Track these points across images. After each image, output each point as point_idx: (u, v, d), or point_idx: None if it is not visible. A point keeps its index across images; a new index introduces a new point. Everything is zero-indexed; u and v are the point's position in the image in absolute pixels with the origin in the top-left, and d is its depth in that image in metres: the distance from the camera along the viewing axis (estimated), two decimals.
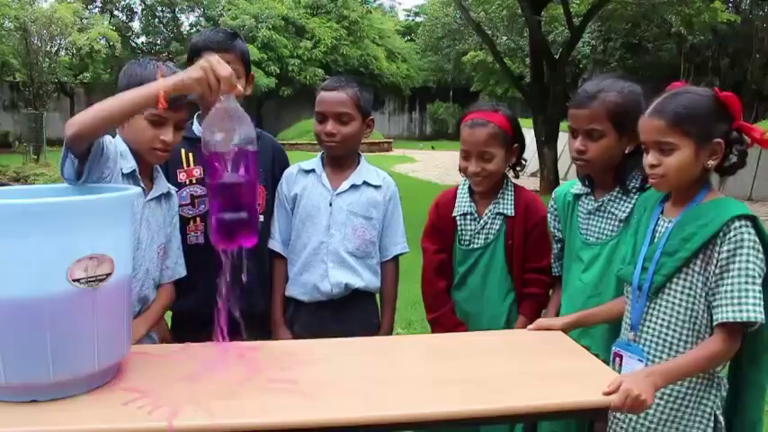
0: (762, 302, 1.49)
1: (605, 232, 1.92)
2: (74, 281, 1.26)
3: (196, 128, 2.16)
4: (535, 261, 2.10)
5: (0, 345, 1.25)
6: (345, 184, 2.16)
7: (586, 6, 12.55)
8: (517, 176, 2.21)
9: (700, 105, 1.56)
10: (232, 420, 1.25)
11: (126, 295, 1.43)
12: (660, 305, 1.63)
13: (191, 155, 2.12)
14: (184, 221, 2.09)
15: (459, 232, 2.15)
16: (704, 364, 1.54)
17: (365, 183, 2.18)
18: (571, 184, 2.06)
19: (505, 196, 2.13)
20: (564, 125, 13.52)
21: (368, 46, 28.20)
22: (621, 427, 1.66)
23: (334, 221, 2.13)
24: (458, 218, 2.14)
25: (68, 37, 20.58)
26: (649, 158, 1.60)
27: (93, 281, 1.29)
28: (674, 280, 1.60)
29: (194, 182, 2.11)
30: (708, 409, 1.60)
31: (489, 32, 16.45)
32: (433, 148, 24.12)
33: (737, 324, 1.49)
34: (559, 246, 2.09)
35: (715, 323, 1.52)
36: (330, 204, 2.14)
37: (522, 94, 13.88)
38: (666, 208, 1.69)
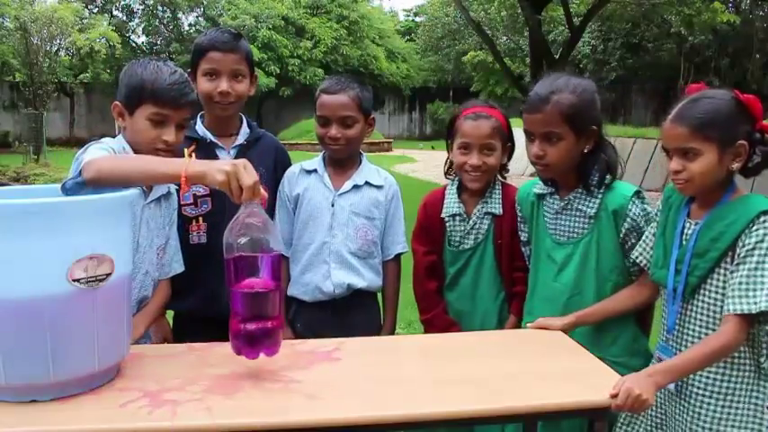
0: None
1: (576, 230, 1.90)
2: (74, 281, 1.26)
3: (199, 127, 2.17)
4: (522, 259, 2.10)
5: (0, 345, 1.25)
6: (347, 185, 2.16)
7: (586, 6, 12.55)
8: (504, 179, 2.19)
9: (721, 109, 1.56)
10: (232, 420, 1.25)
11: (126, 295, 1.43)
12: (697, 306, 1.63)
13: (193, 155, 2.11)
14: (186, 221, 2.10)
15: (449, 233, 2.14)
16: (711, 358, 1.54)
17: (367, 183, 2.18)
18: (533, 183, 2.03)
19: (494, 195, 2.12)
20: None
21: (368, 46, 28.19)
22: (680, 428, 1.65)
23: (337, 222, 2.13)
24: (446, 219, 2.14)
25: (68, 37, 20.58)
26: (673, 164, 1.61)
27: (93, 281, 1.29)
28: (708, 280, 1.60)
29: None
30: (759, 402, 1.59)
31: (489, 32, 16.45)
32: (432, 148, 24.08)
33: (748, 315, 1.49)
34: (529, 248, 2.06)
35: (725, 313, 1.52)
36: (332, 205, 2.14)
37: (522, 94, 13.87)
38: (693, 210, 1.69)
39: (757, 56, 19.67)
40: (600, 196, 1.85)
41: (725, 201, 1.61)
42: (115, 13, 26.81)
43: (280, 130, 23.16)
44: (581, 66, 23.57)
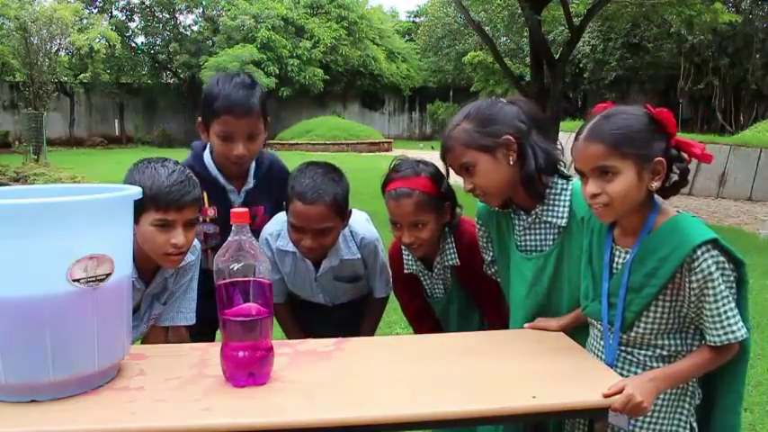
0: (740, 316, 1.49)
1: (546, 243, 1.82)
2: (74, 281, 1.26)
3: (209, 164, 2.12)
4: (487, 291, 2.04)
5: (0, 344, 1.25)
6: (325, 265, 2.09)
7: (586, 6, 12.53)
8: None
9: (635, 125, 1.48)
10: (232, 420, 1.25)
11: (126, 295, 1.43)
12: (633, 338, 1.60)
13: (205, 194, 2.01)
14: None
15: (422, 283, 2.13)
16: (701, 369, 1.55)
17: (342, 260, 2.10)
18: None
19: (447, 247, 2.03)
20: (565, 125, 13.54)
21: (368, 46, 28.20)
22: None
23: (324, 290, 2.16)
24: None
25: (68, 37, 20.59)
26: (590, 187, 1.50)
27: (93, 281, 1.29)
28: (645, 313, 1.57)
29: (207, 220, 2.09)
30: (684, 418, 1.60)
31: (489, 32, 16.44)
32: (432, 148, 24.08)
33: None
34: (495, 267, 1.98)
35: (705, 343, 1.52)
36: (315, 280, 2.13)
37: (521, 94, 13.87)
38: (617, 236, 1.61)
39: (757, 56, 19.67)
40: (567, 204, 1.77)
41: (650, 226, 1.53)
42: (115, 13, 26.82)
43: (279, 130, 23.16)
44: (581, 66, 23.58)
